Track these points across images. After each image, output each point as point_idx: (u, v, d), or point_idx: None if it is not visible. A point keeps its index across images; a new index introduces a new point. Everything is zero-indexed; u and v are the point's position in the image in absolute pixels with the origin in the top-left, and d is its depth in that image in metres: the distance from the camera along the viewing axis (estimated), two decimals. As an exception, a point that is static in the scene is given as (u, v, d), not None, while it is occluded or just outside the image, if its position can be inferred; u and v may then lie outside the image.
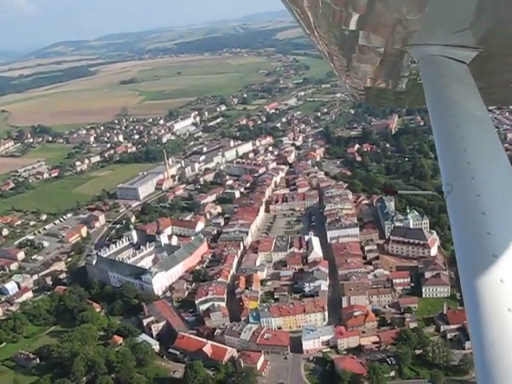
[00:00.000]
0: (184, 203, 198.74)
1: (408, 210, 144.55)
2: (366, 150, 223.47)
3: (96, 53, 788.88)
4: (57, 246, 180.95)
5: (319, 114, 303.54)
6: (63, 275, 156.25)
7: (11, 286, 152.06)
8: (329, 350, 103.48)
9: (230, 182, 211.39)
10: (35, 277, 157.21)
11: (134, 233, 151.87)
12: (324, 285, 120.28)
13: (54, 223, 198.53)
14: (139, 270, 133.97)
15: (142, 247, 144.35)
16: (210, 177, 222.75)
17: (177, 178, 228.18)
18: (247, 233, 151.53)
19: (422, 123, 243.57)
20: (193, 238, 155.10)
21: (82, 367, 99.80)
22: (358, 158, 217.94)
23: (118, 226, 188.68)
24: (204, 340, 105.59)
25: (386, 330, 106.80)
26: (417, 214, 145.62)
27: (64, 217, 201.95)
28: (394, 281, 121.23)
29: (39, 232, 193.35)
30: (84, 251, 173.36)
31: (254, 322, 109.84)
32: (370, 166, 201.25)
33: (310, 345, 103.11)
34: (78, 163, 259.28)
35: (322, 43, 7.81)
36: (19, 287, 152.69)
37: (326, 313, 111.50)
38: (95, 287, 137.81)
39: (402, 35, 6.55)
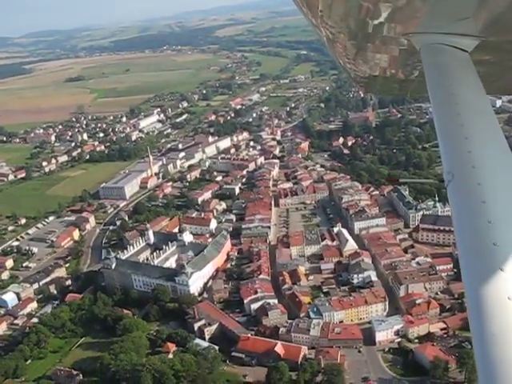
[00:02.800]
0: (177, 201, 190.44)
1: (432, 198, 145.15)
2: (351, 142, 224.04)
3: (24, 50, 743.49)
4: (47, 251, 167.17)
5: (288, 108, 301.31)
6: (68, 282, 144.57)
7: (10, 298, 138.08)
8: (399, 339, 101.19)
9: (219, 178, 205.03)
10: (35, 285, 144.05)
11: (150, 233, 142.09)
12: (373, 275, 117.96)
13: (37, 227, 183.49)
14: (171, 272, 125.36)
15: (165, 247, 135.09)
16: (195, 173, 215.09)
17: (160, 175, 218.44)
18: (269, 227, 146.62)
19: (399, 115, 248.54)
20: (207, 235, 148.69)
21: (150, 380, 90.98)
22: (346, 151, 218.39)
23: (110, 227, 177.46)
24: (272, 340, 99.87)
25: (449, 316, 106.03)
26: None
27: (46, 220, 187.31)
28: (437, 267, 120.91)
29: (22, 237, 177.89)
30: (82, 255, 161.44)
31: (315, 318, 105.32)
32: (364, 158, 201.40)
33: (383, 336, 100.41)
34: (44, 163, 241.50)
35: (324, 30, 7.67)
36: (19, 298, 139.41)
37: (387, 303, 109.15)
38: (117, 293, 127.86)
39: (404, 23, 6.63)
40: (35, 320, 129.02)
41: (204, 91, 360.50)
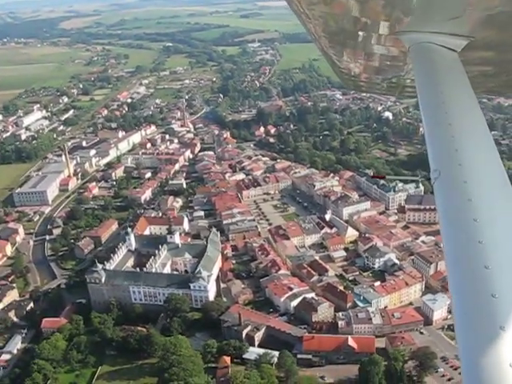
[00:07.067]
0: (115, 202, 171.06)
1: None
2: (273, 131, 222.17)
3: None
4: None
5: (184, 100, 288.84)
6: (31, 305, 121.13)
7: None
8: (450, 316, 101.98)
9: (148, 175, 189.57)
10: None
11: (132, 237, 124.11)
12: (394, 257, 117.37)
13: None
14: (183, 278, 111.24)
15: (157, 252, 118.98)
16: (119, 171, 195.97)
17: (79, 176, 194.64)
18: (254, 220, 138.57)
19: (310, 103, 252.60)
20: (183, 234, 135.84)
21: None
22: (271, 140, 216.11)
23: (47, 236, 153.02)
24: (339, 335, 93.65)
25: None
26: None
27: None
28: (441, 245, 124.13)
29: None
30: (29, 272, 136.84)
31: (364, 306, 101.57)
32: (301, 146, 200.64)
33: (439, 314, 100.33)
34: None
35: (314, 29, 7.76)
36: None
37: (424, 283, 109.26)
38: (113, 309, 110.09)
39: (394, 22, 6.72)
40: (7, 357, 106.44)
41: (81, 85, 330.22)
